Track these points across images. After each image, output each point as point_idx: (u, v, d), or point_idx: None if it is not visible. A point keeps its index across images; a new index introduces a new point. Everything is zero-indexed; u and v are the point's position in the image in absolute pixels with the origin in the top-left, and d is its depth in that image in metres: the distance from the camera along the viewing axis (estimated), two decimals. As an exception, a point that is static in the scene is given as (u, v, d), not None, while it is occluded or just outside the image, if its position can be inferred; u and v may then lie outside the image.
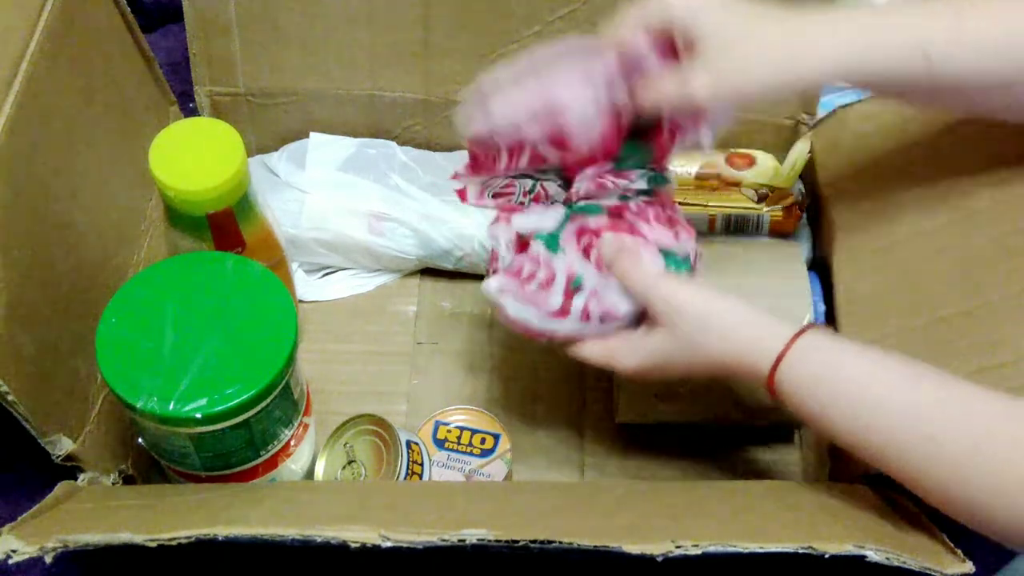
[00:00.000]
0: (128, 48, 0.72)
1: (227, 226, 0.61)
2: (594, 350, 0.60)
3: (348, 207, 0.77)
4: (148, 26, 0.79)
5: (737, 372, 0.55)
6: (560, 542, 0.45)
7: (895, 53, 0.52)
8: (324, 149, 0.80)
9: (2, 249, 0.53)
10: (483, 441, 0.70)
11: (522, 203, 0.63)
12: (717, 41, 0.52)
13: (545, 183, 0.62)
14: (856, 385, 0.50)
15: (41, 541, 0.45)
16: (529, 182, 0.62)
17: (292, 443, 0.62)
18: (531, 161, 0.58)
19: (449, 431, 0.70)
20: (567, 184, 0.61)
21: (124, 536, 0.45)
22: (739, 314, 0.55)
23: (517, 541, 0.45)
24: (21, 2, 0.59)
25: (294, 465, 0.63)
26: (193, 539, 0.45)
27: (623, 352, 0.58)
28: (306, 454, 0.65)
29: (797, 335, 0.52)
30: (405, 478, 0.64)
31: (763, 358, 0.53)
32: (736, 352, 0.54)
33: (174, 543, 0.45)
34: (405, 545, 0.45)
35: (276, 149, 0.81)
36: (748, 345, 0.54)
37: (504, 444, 0.69)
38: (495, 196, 0.63)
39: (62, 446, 0.57)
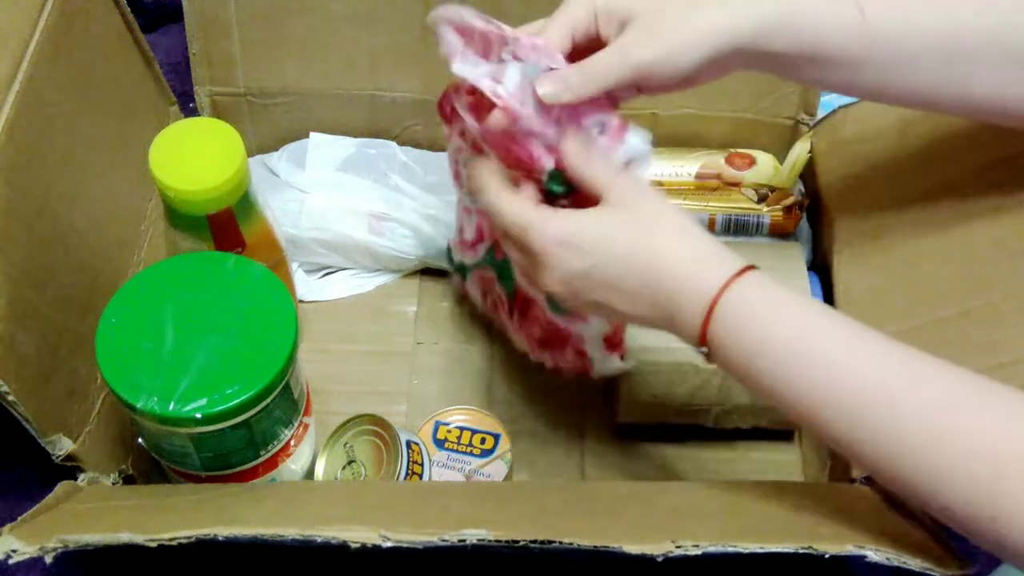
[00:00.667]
0: (128, 48, 0.72)
1: (227, 226, 0.61)
2: (512, 207, 0.52)
3: (348, 207, 0.77)
4: (148, 26, 0.79)
5: (668, 303, 0.49)
6: (560, 542, 0.45)
7: (827, 6, 0.50)
8: (324, 149, 0.80)
9: (2, 249, 0.53)
10: (483, 441, 0.70)
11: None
12: (648, 9, 0.50)
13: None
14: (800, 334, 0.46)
15: (41, 541, 0.45)
16: None
17: (292, 443, 0.62)
18: None
19: (449, 431, 0.70)
20: None
21: (124, 536, 0.45)
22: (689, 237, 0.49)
23: (517, 541, 0.45)
24: (21, 2, 0.59)
25: (294, 465, 0.63)
26: (193, 539, 0.45)
27: (544, 216, 0.50)
28: (306, 454, 0.65)
29: (732, 277, 0.48)
30: (405, 478, 0.64)
31: (715, 274, 0.48)
32: (673, 277, 0.49)
33: (174, 543, 0.45)
34: (405, 545, 0.45)
35: (276, 149, 0.81)
36: (685, 279, 0.48)
37: (504, 444, 0.69)
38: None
39: (62, 446, 0.57)
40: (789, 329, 0.47)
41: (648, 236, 0.49)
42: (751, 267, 0.49)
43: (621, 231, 0.50)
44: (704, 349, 0.49)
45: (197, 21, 0.76)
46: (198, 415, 0.52)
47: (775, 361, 0.46)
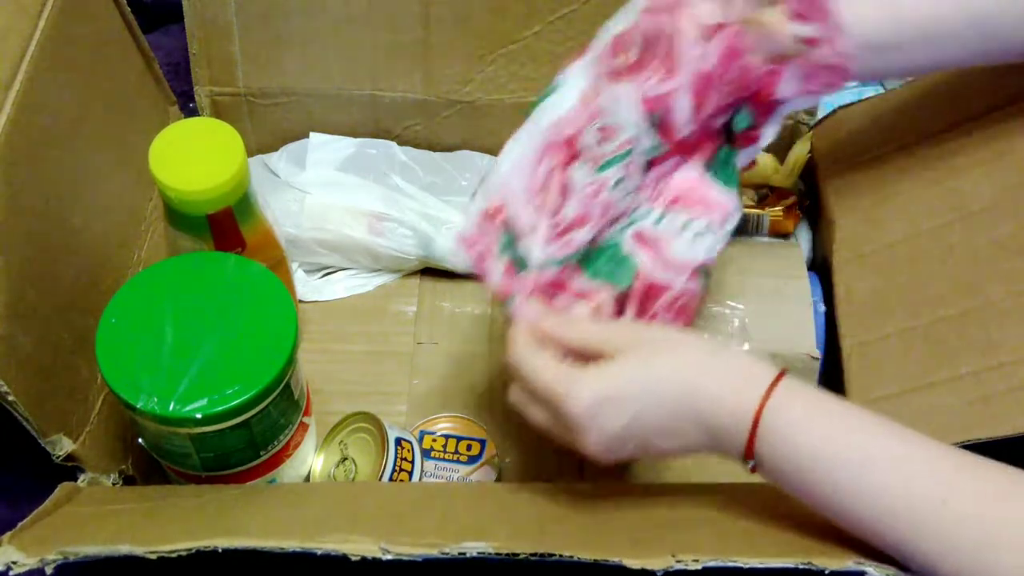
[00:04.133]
0: (128, 48, 0.72)
1: (227, 226, 0.61)
2: (545, 374, 0.51)
3: (348, 207, 0.77)
4: (148, 26, 0.78)
5: (712, 420, 0.48)
6: (560, 555, 0.45)
7: None
8: (324, 149, 0.80)
9: (2, 249, 0.53)
10: (469, 447, 0.70)
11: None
12: None
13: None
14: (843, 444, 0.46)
15: (42, 552, 0.45)
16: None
17: (292, 443, 0.62)
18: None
19: (435, 440, 0.70)
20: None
21: (124, 548, 0.45)
22: (714, 350, 0.50)
23: (517, 554, 0.45)
24: (21, 2, 0.59)
25: (295, 465, 0.63)
26: (193, 551, 0.45)
27: (576, 380, 0.49)
28: (306, 454, 0.65)
29: (768, 390, 0.48)
30: (392, 474, 0.64)
31: (750, 389, 0.48)
32: (714, 387, 0.48)
33: (174, 555, 0.45)
34: (406, 557, 0.45)
35: (276, 149, 0.81)
36: (732, 382, 0.48)
37: (490, 449, 0.69)
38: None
39: (62, 446, 0.57)
40: (833, 438, 0.47)
41: (677, 371, 0.49)
42: (783, 373, 0.48)
43: (649, 376, 0.49)
44: (752, 463, 0.48)
45: (197, 21, 0.76)
46: (198, 415, 0.52)
47: (825, 472, 0.46)
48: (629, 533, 0.51)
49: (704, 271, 0.58)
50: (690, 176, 0.58)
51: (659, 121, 0.56)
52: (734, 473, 0.72)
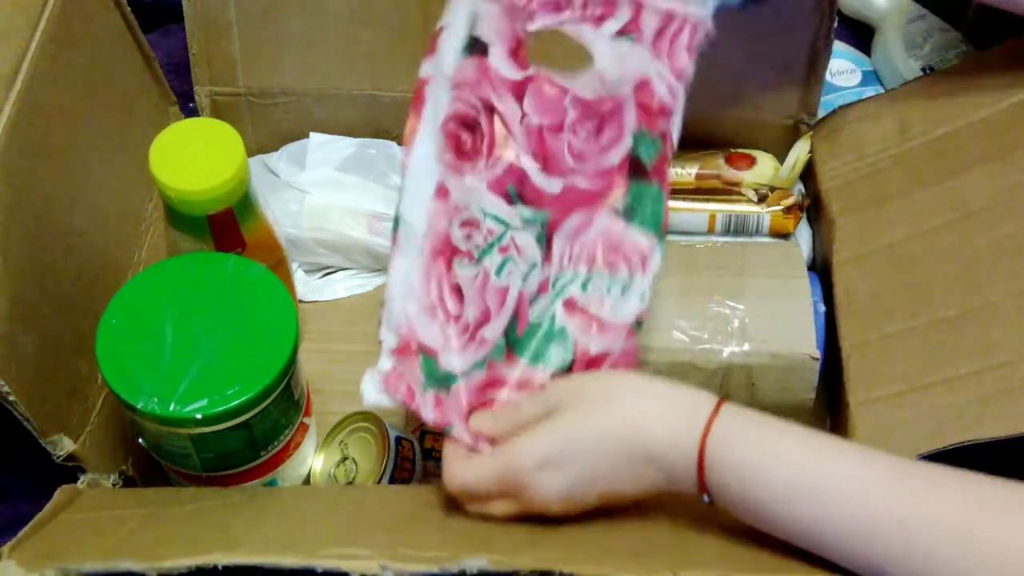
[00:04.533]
0: (128, 48, 0.72)
1: (227, 226, 0.61)
2: (486, 466, 0.51)
3: (348, 207, 0.77)
4: (148, 26, 0.78)
5: (656, 447, 0.48)
6: (560, 572, 0.45)
7: None
8: (324, 149, 0.80)
9: (2, 249, 0.53)
10: (469, 448, 0.69)
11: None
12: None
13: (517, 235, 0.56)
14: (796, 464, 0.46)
15: (41, 567, 0.46)
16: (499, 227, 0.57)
17: (292, 444, 0.62)
18: None
19: (436, 440, 0.70)
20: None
21: (124, 564, 0.46)
22: (648, 380, 0.50)
23: (517, 572, 0.45)
24: (21, 2, 0.59)
25: (295, 465, 0.63)
26: (193, 568, 0.45)
27: (520, 443, 0.50)
28: (307, 454, 0.65)
29: (710, 418, 0.47)
30: (393, 473, 0.64)
31: (691, 424, 0.47)
32: (654, 415, 0.49)
33: (174, 573, 0.45)
34: (406, 575, 0.45)
35: (276, 149, 0.81)
36: (670, 407, 0.49)
37: None
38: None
39: (63, 446, 0.57)
40: (780, 459, 0.46)
41: (612, 416, 0.49)
42: (722, 401, 0.48)
43: (595, 432, 0.49)
44: (707, 498, 0.48)
45: (197, 21, 0.76)
46: (198, 415, 0.52)
47: (774, 499, 0.46)
48: (629, 549, 0.51)
49: (638, 323, 0.55)
50: (605, 226, 0.56)
51: (519, 193, 0.56)
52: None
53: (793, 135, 0.78)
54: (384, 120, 0.81)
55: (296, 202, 0.77)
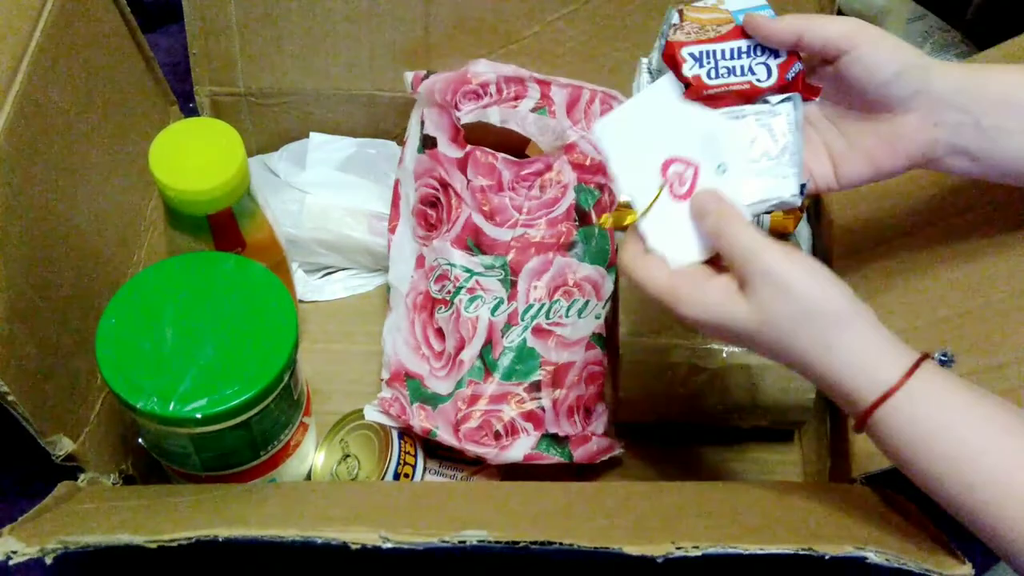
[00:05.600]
0: (128, 48, 0.72)
1: (227, 226, 0.61)
2: (658, 283, 0.50)
3: (348, 207, 0.77)
4: (148, 26, 0.79)
5: (830, 389, 0.48)
6: (560, 543, 0.45)
7: None
8: (324, 149, 0.80)
9: (2, 249, 0.53)
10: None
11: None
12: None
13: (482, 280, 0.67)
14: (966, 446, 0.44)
15: (41, 542, 0.45)
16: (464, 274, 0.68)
17: (292, 443, 0.62)
18: None
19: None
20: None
21: (124, 537, 0.45)
22: (855, 327, 0.47)
23: (517, 542, 0.45)
24: (21, 2, 0.59)
25: (295, 465, 0.63)
26: (193, 540, 0.45)
27: (691, 300, 0.49)
28: (307, 454, 0.65)
29: (911, 371, 0.46)
30: (396, 471, 0.64)
31: (867, 391, 0.46)
32: (837, 369, 0.47)
33: (174, 544, 0.45)
34: (406, 546, 0.45)
35: (276, 149, 0.81)
36: (853, 369, 0.46)
37: None
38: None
39: (62, 446, 0.57)
40: (958, 435, 0.45)
41: (792, 341, 0.47)
42: (926, 356, 0.47)
43: (757, 330, 0.48)
44: (860, 428, 0.47)
45: (197, 21, 0.76)
46: (198, 415, 0.52)
47: (946, 468, 0.45)
48: (630, 523, 0.51)
49: (597, 337, 0.69)
50: (561, 264, 0.68)
51: (476, 244, 0.68)
52: (733, 473, 0.72)
53: (793, 135, 0.78)
54: (384, 120, 0.81)
55: (296, 202, 0.77)
